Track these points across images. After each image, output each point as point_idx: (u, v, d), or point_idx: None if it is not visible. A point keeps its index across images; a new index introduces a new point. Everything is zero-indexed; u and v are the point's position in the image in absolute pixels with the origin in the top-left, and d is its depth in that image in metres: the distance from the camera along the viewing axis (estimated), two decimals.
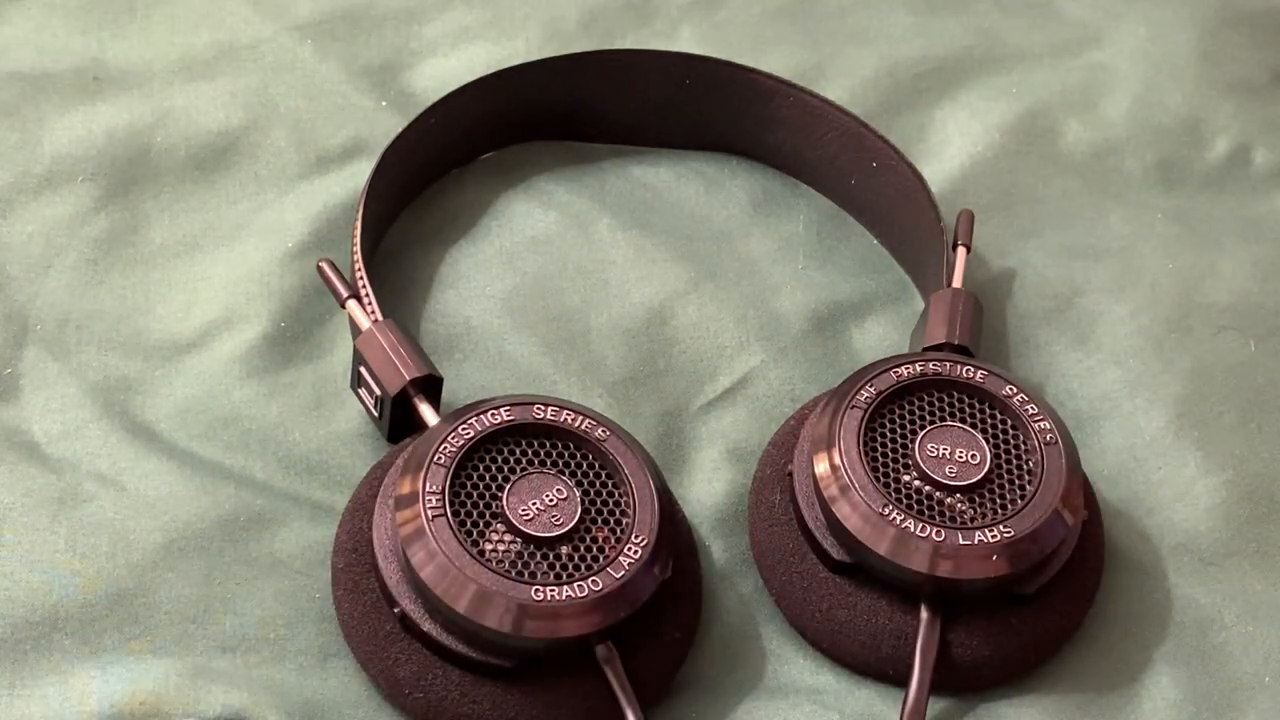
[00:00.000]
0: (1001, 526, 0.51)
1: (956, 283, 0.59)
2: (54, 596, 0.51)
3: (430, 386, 0.53)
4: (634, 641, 0.49)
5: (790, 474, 0.54)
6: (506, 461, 0.50)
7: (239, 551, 0.53)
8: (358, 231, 0.58)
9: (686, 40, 0.71)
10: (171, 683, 0.49)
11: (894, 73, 0.71)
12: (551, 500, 0.49)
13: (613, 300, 0.61)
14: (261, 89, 0.66)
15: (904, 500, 0.51)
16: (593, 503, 0.50)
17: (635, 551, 0.48)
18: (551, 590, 0.47)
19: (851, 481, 0.51)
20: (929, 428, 0.53)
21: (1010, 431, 0.53)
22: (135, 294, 0.59)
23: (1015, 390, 0.54)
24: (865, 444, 0.52)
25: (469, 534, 0.48)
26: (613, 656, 0.49)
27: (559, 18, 0.71)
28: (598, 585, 0.48)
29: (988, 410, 0.54)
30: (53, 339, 0.58)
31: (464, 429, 0.50)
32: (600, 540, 0.49)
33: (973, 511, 0.51)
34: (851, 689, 0.53)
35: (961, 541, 0.50)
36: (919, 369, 0.54)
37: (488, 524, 0.49)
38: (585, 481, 0.50)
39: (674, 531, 0.51)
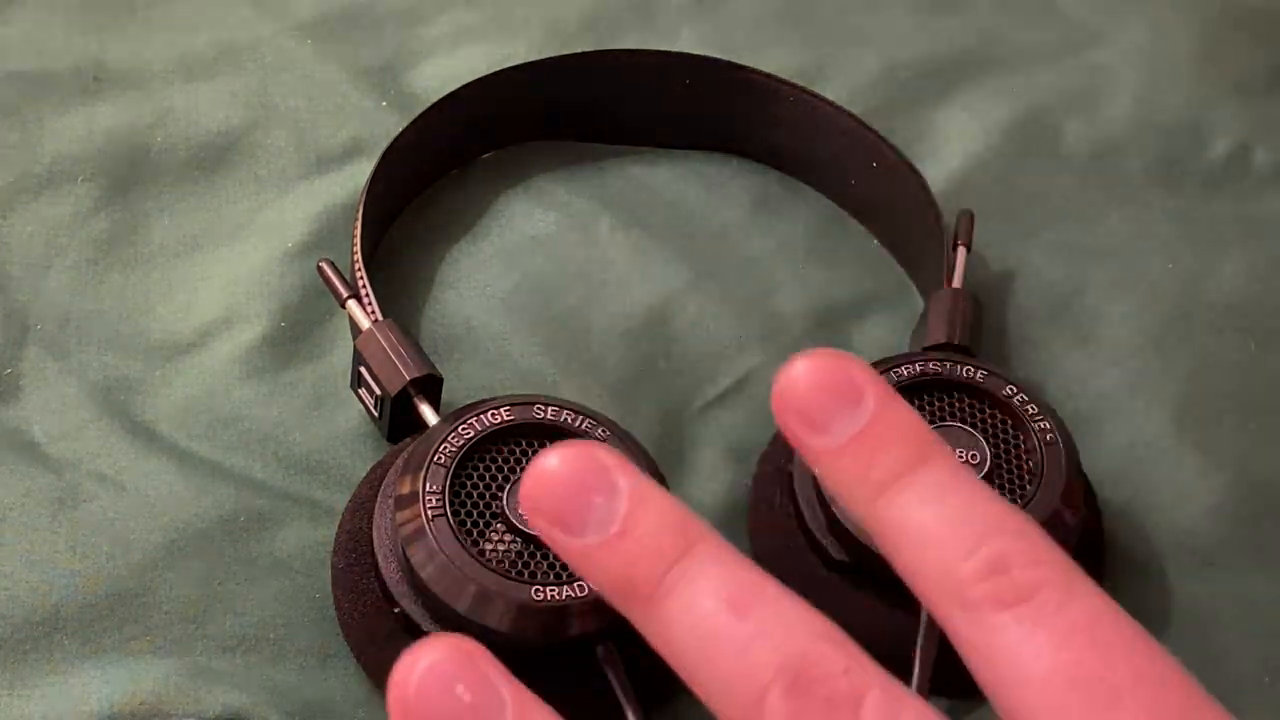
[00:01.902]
0: None
1: (956, 283, 0.59)
2: (54, 596, 0.51)
3: (430, 386, 0.53)
4: (634, 641, 0.49)
5: (790, 474, 0.54)
6: (507, 461, 0.50)
7: (239, 551, 0.53)
8: (358, 231, 0.58)
9: (686, 40, 0.71)
10: (171, 683, 0.49)
11: (894, 73, 0.71)
12: None
13: (613, 300, 0.61)
14: (261, 89, 0.66)
15: None
16: None
17: None
18: (551, 590, 0.47)
19: None
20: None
21: (1010, 431, 0.53)
22: (135, 294, 0.59)
23: (1015, 390, 0.54)
24: None
25: (469, 534, 0.48)
26: (613, 656, 0.49)
27: (559, 18, 0.71)
28: None
29: (988, 410, 0.54)
30: (53, 339, 0.58)
31: (464, 429, 0.50)
32: None
33: None
34: None
35: None
36: (919, 369, 0.54)
37: (488, 524, 0.49)
38: None
39: None
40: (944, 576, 0.29)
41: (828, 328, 0.62)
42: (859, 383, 0.31)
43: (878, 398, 0.31)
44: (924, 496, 0.30)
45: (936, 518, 0.29)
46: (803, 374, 0.31)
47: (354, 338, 0.55)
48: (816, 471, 0.32)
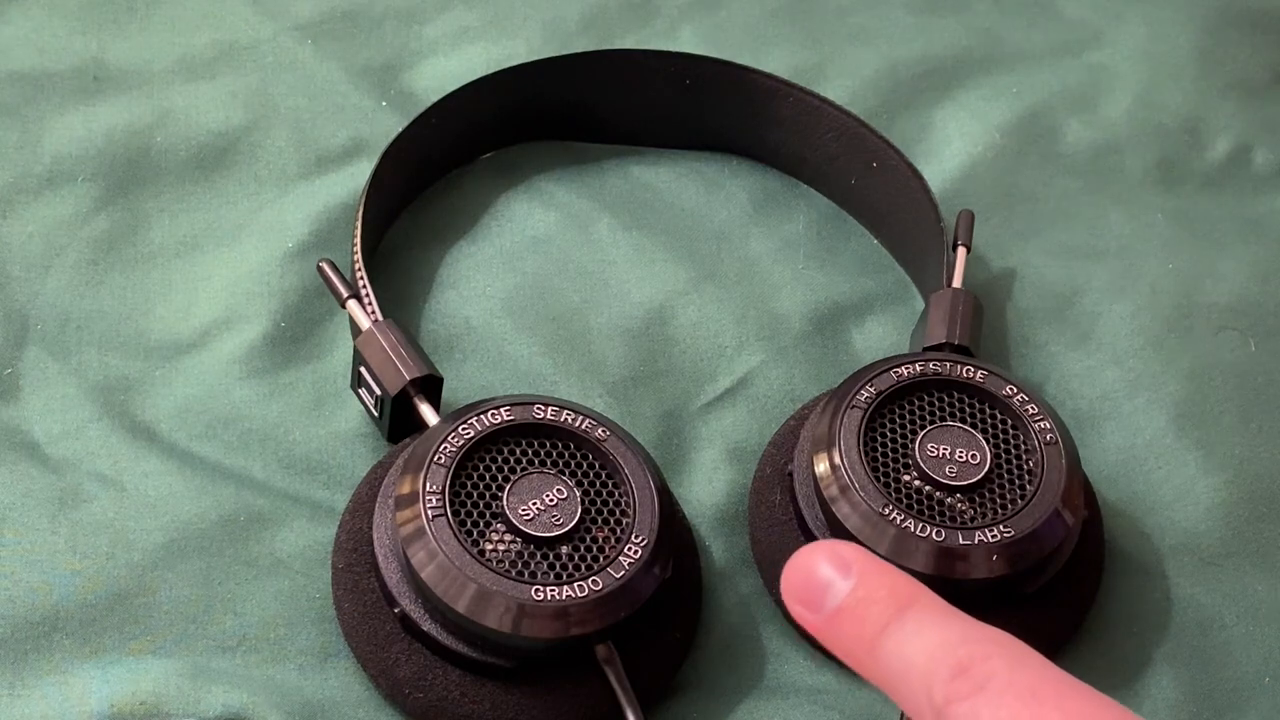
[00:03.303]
0: (1002, 526, 0.51)
1: (956, 283, 0.59)
2: (54, 596, 0.51)
3: (430, 386, 0.53)
4: (634, 641, 0.49)
5: (790, 474, 0.54)
6: (507, 461, 0.50)
7: (239, 551, 0.53)
8: (358, 231, 0.58)
9: (686, 40, 0.71)
10: (171, 683, 0.49)
11: (894, 73, 0.71)
12: (551, 500, 0.49)
13: (613, 300, 0.61)
14: (261, 89, 0.66)
15: (904, 500, 0.51)
16: (593, 503, 0.50)
17: (635, 551, 0.48)
18: (551, 590, 0.47)
19: (851, 481, 0.51)
20: (929, 428, 0.53)
21: (1010, 431, 0.53)
22: (135, 294, 0.59)
23: (1015, 390, 0.54)
24: (865, 444, 0.52)
25: (469, 534, 0.48)
26: (613, 656, 0.49)
27: (559, 18, 0.71)
28: (598, 585, 0.48)
29: (988, 410, 0.54)
30: (53, 339, 0.58)
31: (464, 429, 0.50)
32: (600, 540, 0.49)
33: (973, 511, 0.51)
34: (851, 689, 0.53)
35: (961, 541, 0.50)
36: (919, 369, 0.54)
37: (488, 524, 0.49)
38: (585, 481, 0.50)
39: (674, 531, 0.51)
40: (924, 695, 0.34)
41: (828, 328, 0.62)
42: (840, 562, 0.36)
43: (859, 570, 0.36)
44: (904, 638, 0.35)
45: (918, 651, 0.35)
46: (792, 569, 0.37)
47: (354, 338, 0.55)
48: (823, 643, 0.37)
